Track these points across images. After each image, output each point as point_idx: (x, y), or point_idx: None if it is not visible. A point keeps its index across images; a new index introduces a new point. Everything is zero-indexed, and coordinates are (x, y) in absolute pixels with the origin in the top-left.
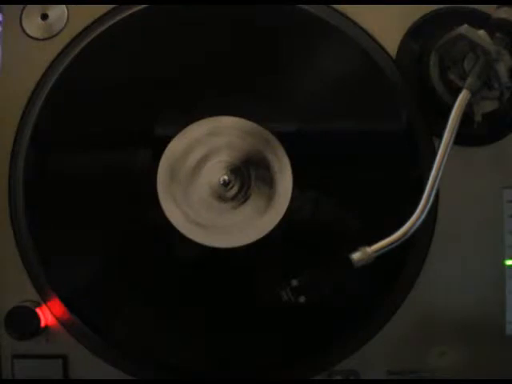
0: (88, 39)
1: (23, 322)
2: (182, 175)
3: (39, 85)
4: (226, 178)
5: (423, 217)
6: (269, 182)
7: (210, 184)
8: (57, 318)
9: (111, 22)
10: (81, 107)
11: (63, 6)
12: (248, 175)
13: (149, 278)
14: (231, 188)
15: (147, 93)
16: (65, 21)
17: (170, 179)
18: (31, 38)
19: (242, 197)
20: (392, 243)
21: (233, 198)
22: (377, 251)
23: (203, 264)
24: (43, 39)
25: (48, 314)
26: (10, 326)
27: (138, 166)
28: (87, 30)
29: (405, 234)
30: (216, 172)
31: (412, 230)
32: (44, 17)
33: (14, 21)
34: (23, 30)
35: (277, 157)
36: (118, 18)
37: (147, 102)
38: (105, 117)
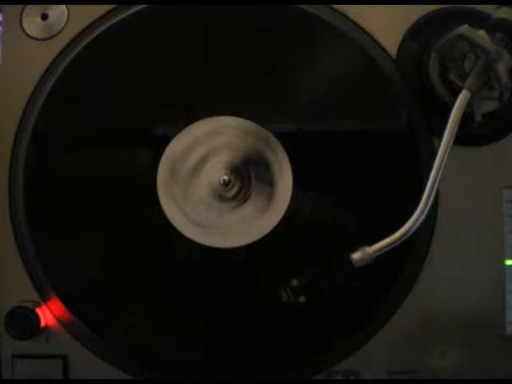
0: (88, 39)
1: (23, 322)
2: (182, 175)
3: (39, 85)
4: (226, 177)
5: (423, 217)
6: (269, 182)
7: (210, 184)
8: (57, 318)
9: (111, 22)
10: (81, 107)
11: (63, 6)
12: (248, 175)
13: (148, 277)
14: (231, 188)
15: (147, 93)
16: (65, 21)
17: (170, 179)
18: (31, 37)
19: (242, 197)
20: (392, 243)
21: (233, 198)
22: (377, 251)
23: (203, 264)
24: (43, 39)
25: (48, 314)
26: (9, 326)
27: (138, 166)
28: (87, 29)
29: (405, 234)
30: (216, 172)
31: (412, 230)
32: (44, 17)
33: (14, 21)
34: (23, 30)
35: (277, 157)
36: (118, 17)
37: (147, 101)
38: (105, 117)
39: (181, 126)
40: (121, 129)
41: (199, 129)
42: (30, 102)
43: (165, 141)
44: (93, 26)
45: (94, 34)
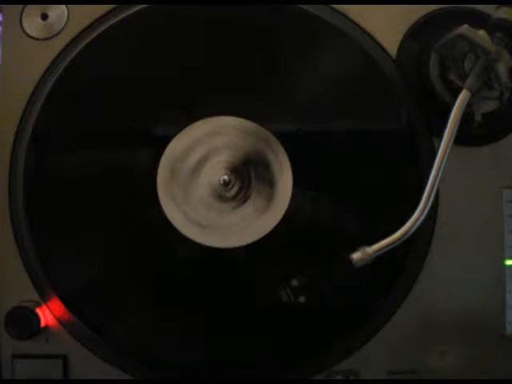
0: (88, 39)
1: (23, 322)
2: (182, 175)
3: (39, 85)
4: (226, 177)
5: (423, 217)
6: (269, 182)
7: (210, 184)
8: (57, 318)
9: (111, 22)
10: (81, 107)
11: (63, 6)
12: (248, 175)
13: (148, 277)
14: (231, 188)
15: (147, 93)
16: (65, 21)
17: (170, 179)
18: (31, 37)
19: (242, 197)
20: (392, 243)
21: (233, 198)
22: (377, 251)
23: (203, 264)
24: (43, 39)
25: (48, 314)
26: (9, 326)
27: (138, 166)
28: (87, 29)
29: (405, 233)
30: (216, 172)
31: (412, 230)
32: (44, 17)
33: (14, 21)
34: (23, 30)
35: (277, 157)
36: (118, 17)
37: (147, 102)
38: (105, 117)
39: (181, 125)
40: (121, 129)
41: (199, 129)
42: (30, 101)
43: (165, 141)
44: (93, 26)
45: (94, 34)
